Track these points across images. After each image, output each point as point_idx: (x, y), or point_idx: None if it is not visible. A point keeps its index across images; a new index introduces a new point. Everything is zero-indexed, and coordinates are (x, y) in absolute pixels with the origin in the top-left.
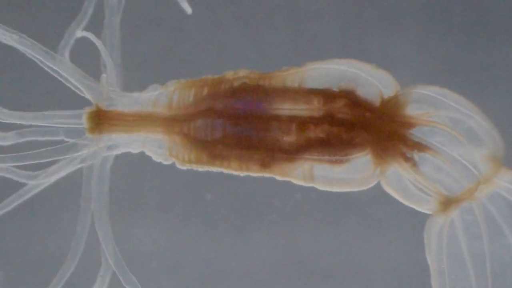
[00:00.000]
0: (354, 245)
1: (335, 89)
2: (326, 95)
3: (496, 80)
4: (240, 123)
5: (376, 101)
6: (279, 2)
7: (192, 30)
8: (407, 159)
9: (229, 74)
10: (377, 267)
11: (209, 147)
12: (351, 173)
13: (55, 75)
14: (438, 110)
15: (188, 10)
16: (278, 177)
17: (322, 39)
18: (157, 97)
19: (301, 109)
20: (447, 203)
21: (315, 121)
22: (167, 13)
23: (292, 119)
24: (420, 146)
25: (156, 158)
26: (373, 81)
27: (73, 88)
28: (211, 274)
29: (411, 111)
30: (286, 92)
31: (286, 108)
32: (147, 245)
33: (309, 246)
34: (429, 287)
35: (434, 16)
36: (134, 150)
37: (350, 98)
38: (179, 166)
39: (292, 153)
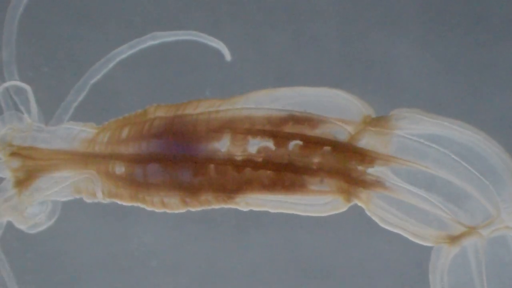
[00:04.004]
0: (354, 245)
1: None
2: (276, 135)
3: (496, 80)
4: (170, 166)
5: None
6: (279, 2)
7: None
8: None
9: (151, 110)
10: (377, 267)
11: (133, 188)
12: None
13: None
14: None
15: (227, 56)
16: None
17: (322, 39)
18: (78, 133)
19: (239, 151)
20: (453, 238)
21: (255, 165)
22: (167, 13)
23: (228, 161)
24: (377, 185)
25: (87, 198)
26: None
27: None
28: (211, 273)
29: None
30: (223, 129)
31: (223, 149)
32: (147, 244)
33: (309, 246)
34: (429, 287)
35: (434, 16)
36: (60, 191)
37: (302, 137)
38: (87, 200)
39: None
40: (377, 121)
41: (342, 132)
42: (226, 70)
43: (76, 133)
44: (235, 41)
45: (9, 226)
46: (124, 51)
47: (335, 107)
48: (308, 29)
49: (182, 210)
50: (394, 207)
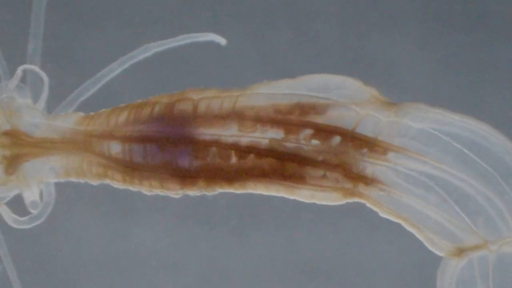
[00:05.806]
0: (354, 245)
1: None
2: (288, 123)
3: (496, 80)
4: (168, 148)
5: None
6: (279, 2)
7: (192, 31)
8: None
9: (153, 99)
10: (377, 267)
11: (129, 170)
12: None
13: None
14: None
15: (223, 41)
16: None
17: (322, 39)
18: (73, 118)
19: (250, 136)
20: (461, 249)
21: (260, 152)
22: (167, 13)
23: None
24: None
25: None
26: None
27: None
28: (211, 274)
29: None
30: (237, 115)
31: (228, 133)
32: (147, 245)
33: (309, 246)
34: (429, 287)
35: (434, 16)
36: (49, 177)
37: (313, 126)
38: (92, 182)
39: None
40: (386, 107)
41: (350, 117)
42: (226, 70)
43: (70, 120)
44: (235, 41)
45: (8, 227)
46: (125, 61)
47: (340, 90)
48: (308, 29)
49: (179, 192)
50: (395, 208)
